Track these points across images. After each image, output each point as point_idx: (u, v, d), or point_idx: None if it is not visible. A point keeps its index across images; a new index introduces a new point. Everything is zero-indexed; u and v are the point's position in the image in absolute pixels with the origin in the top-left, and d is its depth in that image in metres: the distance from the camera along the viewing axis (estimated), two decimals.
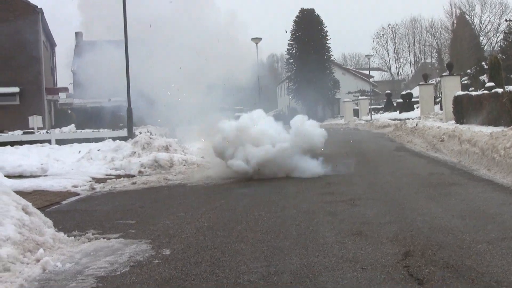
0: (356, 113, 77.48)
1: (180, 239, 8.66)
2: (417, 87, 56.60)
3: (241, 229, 9.15)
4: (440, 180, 13.99)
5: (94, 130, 32.50)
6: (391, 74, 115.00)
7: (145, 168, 19.17)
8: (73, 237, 8.91)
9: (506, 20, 61.92)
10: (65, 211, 12.18)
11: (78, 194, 14.78)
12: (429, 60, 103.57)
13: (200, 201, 12.62)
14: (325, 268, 6.73)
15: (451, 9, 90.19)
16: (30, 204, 8.87)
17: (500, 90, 25.47)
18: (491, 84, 39.49)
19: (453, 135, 21.11)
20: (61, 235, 8.66)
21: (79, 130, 33.82)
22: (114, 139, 25.71)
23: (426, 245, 7.53)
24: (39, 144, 26.08)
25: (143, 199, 13.39)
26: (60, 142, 28.43)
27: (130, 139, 23.21)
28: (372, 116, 65.40)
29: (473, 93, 30.97)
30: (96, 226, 10.04)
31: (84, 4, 26.70)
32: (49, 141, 28.43)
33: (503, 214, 9.41)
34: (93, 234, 9.24)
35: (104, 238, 8.92)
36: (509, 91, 23.15)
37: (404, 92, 79.03)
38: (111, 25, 25.50)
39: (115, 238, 8.95)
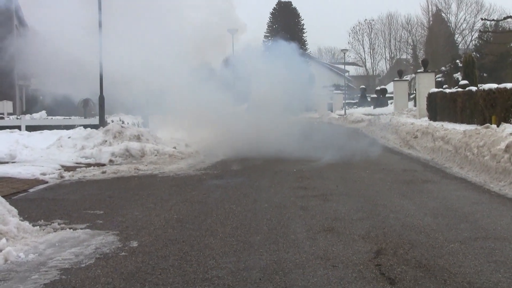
0: (330, 107, 77.52)
1: (148, 231, 8.47)
2: (392, 83, 56.86)
3: (211, 223, 8.98)
4: (413, 177, 13.96)
5: (66, 117, 32.04)
6: (366, 69, 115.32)
7: (116, 157, 18.88)
8: (38, 226, 8.67)
9: (481, 19, 62.41)
10: (32, 199, 11.90)
11: (47, 182, 14.47)
12: (404, 57, 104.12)
13: (171, 192, 12.41)
14: (296, 265, 6.59)
15: (428, 6, 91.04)
16: None
17: (474, 88, 25.52)
18: (465, 82, 39.84)
19: (426, 132, 21.12)
20: (26, 224, 8.40)
21: (50, 117, 33.36)
22: (85, 126, 25.31)
23: (398, 243, 7.43)
24: (8, 130, 25.62)
25: (113, 189, 13.13)
26: (30, 128, 27.95)
27: (101, 127, 22.85)
28: (346, 110, 65.45)
29: (447, 90, 31.06)
30: (63, 216, 9.80)
31: None
32: (18, 127, 27.95)
33: (476, 213, 9.36)
34: (59, 224, 9.00)
35: (70, 228, 8.69)
36: (483, 89, 23.18)
37: (378, 88, 79.48)
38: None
39: (81, 228, 8.73)
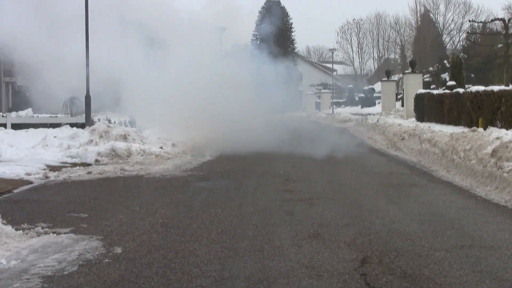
0: (318, 106, 77.61)
1: (133, 237, 8.38)
2: (379, 82, 56.82)
3: (196, 228, 8.91)
4: (399, 180, 13.94)
5: (52, 115, 31.67)
6: (354, 69, 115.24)
7: (102, 157, 18.75)
8: (21, 230, 8.53)
9: (469, 21, 62.63)
10: (16, 200, 11.77)
11: (31, 183, 14.32)
12: (392, 56, 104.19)
13: (156, 194, 12.32)
14: (280, 274, 6.53)
15: (416, 6, 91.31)
16: None
17: (461, 90, 25.53)
18: (453, 83, 39.90)
19: (413, 134, 21.13)
20: (8, 228, 8.30)
21: (36, 115, 33.06)
22: (72, 125, 25.16)
23: (384, 251, 7.39)
24: None
25: (98, 191, 13.00)
26: (16, 126, 27.61)
27: (87, 126, 22.74)
28: (334, 110, 65.47)
29: (435, 91, 31.08)
30: (47, 219, 9.68)
31: None
32: (4, 125, 27.59)
33: (462, 219, 9.35)
34: (42, 228, 8.89)
35: (54, 232, 8.58)
36: (470, 91, 23.21)
37: (366, 87, 79.51)
38: None
39: (65, 233, 8.62)
